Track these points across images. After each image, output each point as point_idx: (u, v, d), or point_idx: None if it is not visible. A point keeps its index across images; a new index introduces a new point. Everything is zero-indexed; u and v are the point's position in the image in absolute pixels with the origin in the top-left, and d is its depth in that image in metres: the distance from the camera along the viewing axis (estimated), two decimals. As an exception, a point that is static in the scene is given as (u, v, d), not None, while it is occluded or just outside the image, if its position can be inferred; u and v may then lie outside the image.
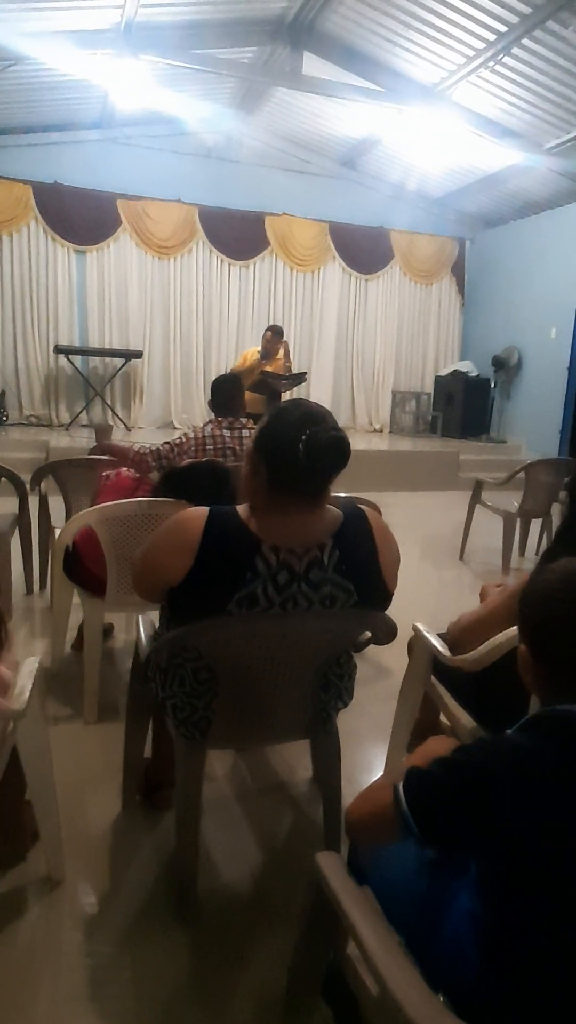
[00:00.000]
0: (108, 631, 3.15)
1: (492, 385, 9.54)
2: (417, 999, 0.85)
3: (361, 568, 1.50)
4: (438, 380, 9.98)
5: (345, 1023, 1.27)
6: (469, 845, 0.98)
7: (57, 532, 2.81)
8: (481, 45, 6.18)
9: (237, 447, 3.12)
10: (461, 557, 5.00)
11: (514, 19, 5.72)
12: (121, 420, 8.65)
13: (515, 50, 6.10)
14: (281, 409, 1.47)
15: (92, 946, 1.56)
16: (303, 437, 1.37)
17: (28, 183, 8.07)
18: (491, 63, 6.34)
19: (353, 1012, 1.08)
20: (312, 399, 1.66)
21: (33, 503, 3.65)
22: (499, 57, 6.23)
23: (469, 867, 1.04)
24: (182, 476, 2.44)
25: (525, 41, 5.94)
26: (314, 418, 1.41)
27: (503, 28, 5.87)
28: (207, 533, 1.41)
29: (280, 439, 1.40)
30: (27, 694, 1.51)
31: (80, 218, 8.32)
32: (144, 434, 8.12)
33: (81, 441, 7.10)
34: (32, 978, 1.48)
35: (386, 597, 1.57)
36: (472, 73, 6.58)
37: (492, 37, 6.02)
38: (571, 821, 0.87)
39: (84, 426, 8.33)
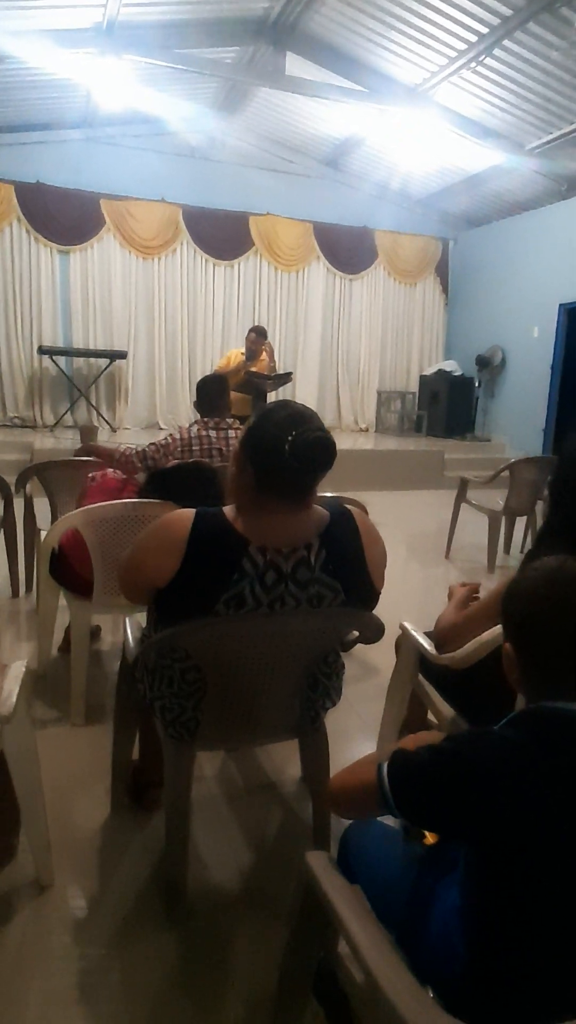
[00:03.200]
0: (95, 633, 3.14)
1: (476, 384, 9.60)
2: (406, 995, 0.86)
3: (348, 567, 1.50)
4: (423, 379, 10.03)
5: (336, 1021, 1.27)
6: (446, 829, 1.01)
7: (43, 534, 2.79)
8: (463, 46, 6.22)
9: (223, 447, 3.12)
10: (447, 555, 5.03)
11: (495, 21, 5.76)
12: (106, 421, 8.62)
13: (496, 51, 6.15)
14: (268, 410, 1.47)
15: (82, 949, 1.56)
16: (289, 438, 1.37)
17: (10, 183, 8.03)
18: (473, 64, 6.38)
19: (344, 1009, 1.08)
20: (298, 399, 1.67)
21: (18, 505, 3.63)
22: (481, 58, 6.27)
23: (456, 863, 1.06)
24: (168, 477, 2.45)
25: (506, 43, 5.99)
26: (300, 419, 1.42)
27: (484, 30, 5.91)
28: (193, 534, 1.41)
29: (267, 439, 1.41)
30: (14, 698, 1.50)
31: (63, 218, 8.28)
32: (129, 435, 8.09)
33: (66, 442, 7.06)
34: (22, 982, 1.47)
35: (373, 596, 1.58)
36: (454, 74, 6.62)
37: (474, 38, 6.07)
38: (554, 816, 0.88)
39: (69, 427, 8.29)
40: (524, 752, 0.91)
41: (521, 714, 0.99)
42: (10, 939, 1.58)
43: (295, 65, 7.00)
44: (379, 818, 1.17)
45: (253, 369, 6.17)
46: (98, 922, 1.63)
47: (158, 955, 1.55)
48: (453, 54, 6.37)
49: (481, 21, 5.83)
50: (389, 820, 1.12)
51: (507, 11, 5.60)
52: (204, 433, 3.12)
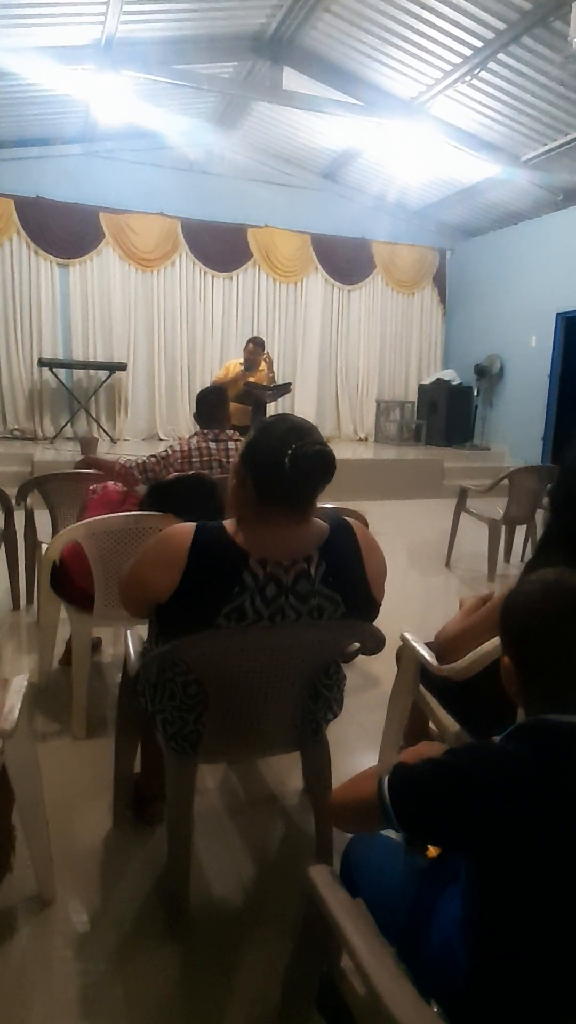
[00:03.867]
0: (96, 645, 3.14)
1: (475, 393, 9.63)
2: (410, 1009, 0.86)
3: (348, 579, 1.51)
4: (421, 389, 10.06)
5: (339, 1035, 1.27)
6: (447, 842, 1.02)
7: (44, 547, 2.79)
8: (458, 60, 6.28)
9: (223, 459, 3.13)
10: (447, 564, 5.03)
11: (490, 35, 5.82)
12: (106, 432, 8.64)
13: (491, 64, 6.20)
14: (267, 423, 1.48)
15: (84, 963, 1.55)
16: (289, 451, 1.38)
17: (10, 197, 8.08)
18: (468, 77, 6.44)
19: (347, 1023, 1.08)
20: (297, 409, 1.68)
21: (19, 517, 3.63)
22: (476, 71, 6.33)
23: (458, 876, 1.06)
24: (169, 489, 2.45)
25: (501, 56, 6.05)
26: (300, 432, 1.43)
27: (479, 43, 5.97)
28: (194, 548, 1.42)
29: (266, 453, 1.42)
30: (16, 712, 1.50)
31: (63, 231, 8.33)
32: (129, 446, 8.10)
33: (66, 454, 7.08)
34: (24, 997, 1.47)
35: (373, 607, 1.58)
36: (450, 87, 6.68)
37: (469, 52, 6.12)
38: (554, 828, 0.88)
39: (69, 439, 8.31)
40: (524, 765, 0.92)
41: (521, 727, 1.00)
42: (12, 954, 1.57)
43: (292, 80, 7.06)
44: (381, 831, 1.17)
45: (252, 380, 6.20)
46: (100, 936, 1.63)
47: (160, 969, 1.55)
48: (448, 67, 6.43)
49: (475, 35, 5.89)
50: (391, 833, 1.12)
51: (501, 25, 5.66)
52: (204, 445, 3.13)
